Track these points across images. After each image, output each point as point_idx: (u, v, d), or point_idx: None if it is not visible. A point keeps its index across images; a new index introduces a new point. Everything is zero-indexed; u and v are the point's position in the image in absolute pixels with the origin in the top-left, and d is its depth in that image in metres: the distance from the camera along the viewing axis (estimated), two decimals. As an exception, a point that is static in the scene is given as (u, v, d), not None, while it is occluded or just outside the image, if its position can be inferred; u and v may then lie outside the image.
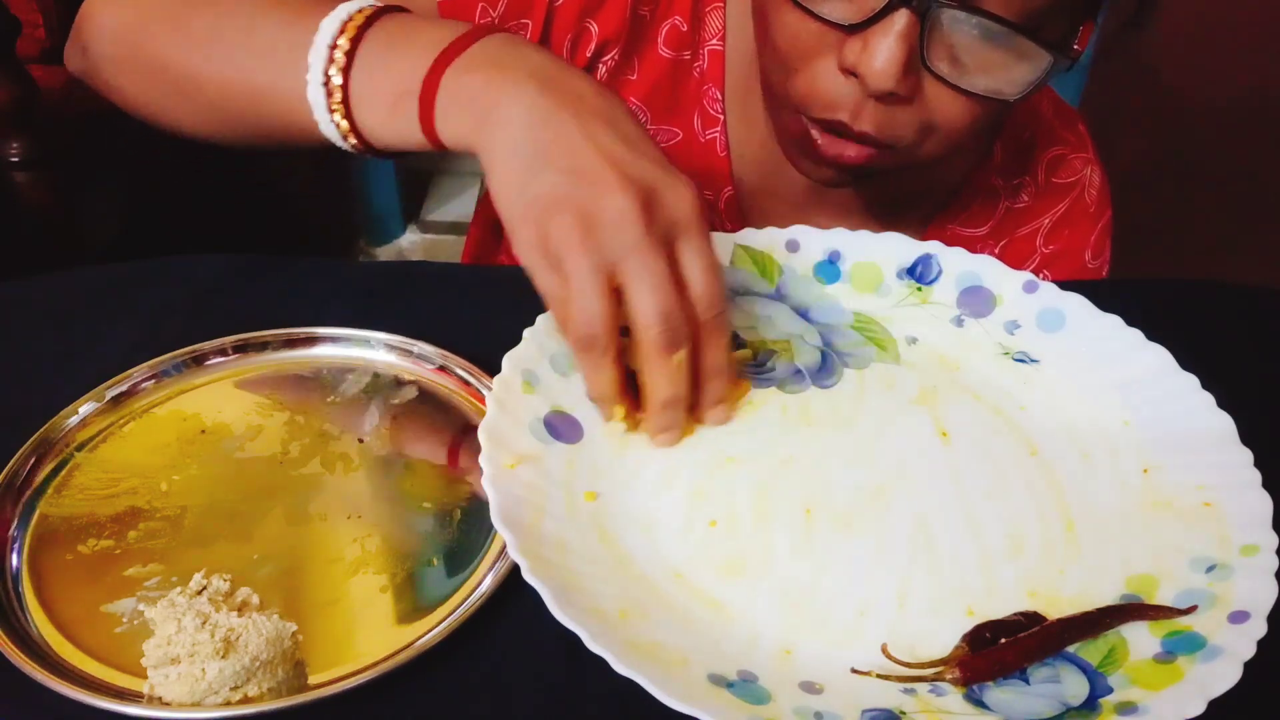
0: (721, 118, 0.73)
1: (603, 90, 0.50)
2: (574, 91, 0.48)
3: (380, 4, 0.54)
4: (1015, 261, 0.72)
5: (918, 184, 0.76)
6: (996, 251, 0.77)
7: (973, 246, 0.75)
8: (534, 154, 0.47)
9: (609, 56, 0.70)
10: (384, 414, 0.55)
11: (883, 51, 0.54)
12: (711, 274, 0.48)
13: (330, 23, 0.52)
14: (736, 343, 0.58)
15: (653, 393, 0.49)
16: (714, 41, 0.71)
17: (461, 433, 0.54)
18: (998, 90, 0.57)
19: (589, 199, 0.45)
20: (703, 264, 0.48)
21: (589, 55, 0.69)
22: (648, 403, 0.49)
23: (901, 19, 0.54)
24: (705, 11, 0.71)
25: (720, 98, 0.72)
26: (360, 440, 0.53)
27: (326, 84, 0.52)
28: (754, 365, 0.57)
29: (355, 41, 0.52)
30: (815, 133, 0.61)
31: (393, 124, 0.52)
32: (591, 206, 0.45)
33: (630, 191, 0.45)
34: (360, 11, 0.53)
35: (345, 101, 0.52)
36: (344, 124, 0.53)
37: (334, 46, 0.51)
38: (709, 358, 0.50)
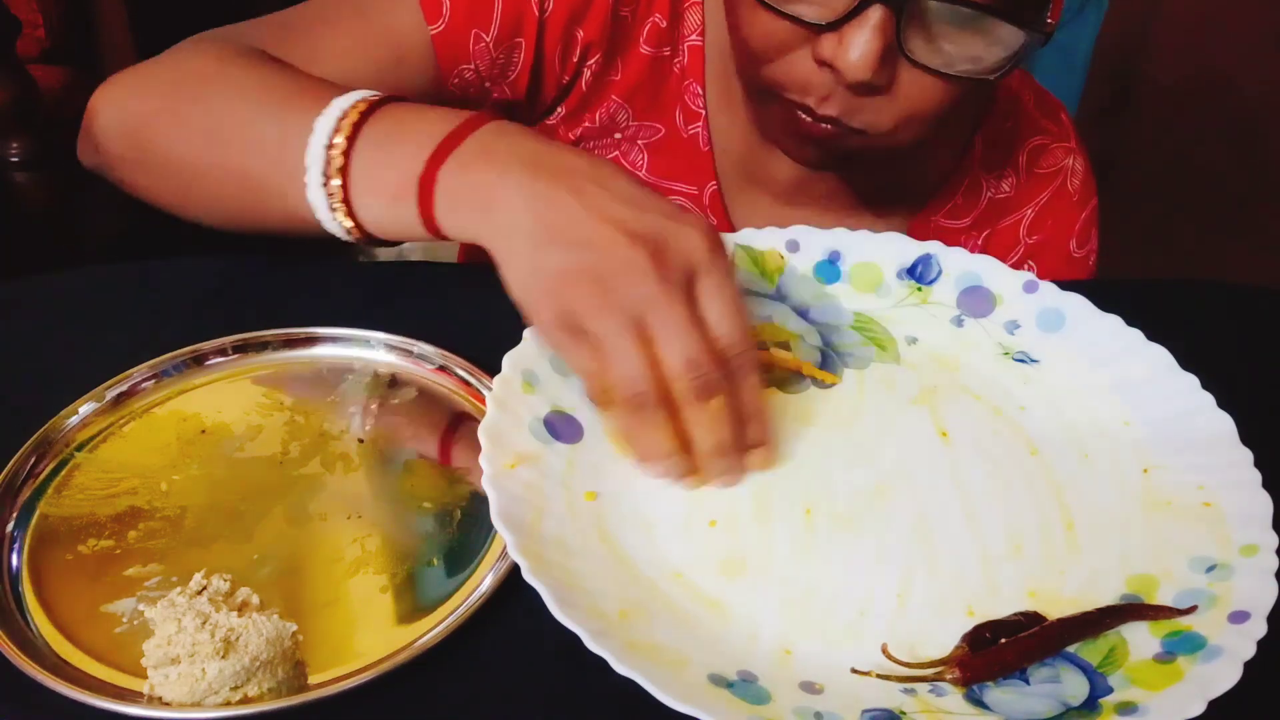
0: (703, 113, 0.73)
1: (594, 159, 0.50)
2: (566, 167, 0.49)
3: (372, 97, 0.53)
4: (999, 253, 0.72)
5: (900, 177, 0.76)
6: (980, 242, 0.77)
7: (956, 239, 0.75)
8: (539, 235, 0.47)
9: (593, 60, 0.70)
10: (384, 414, 0.55)
11: (858, 45, 0.55)
12: (733, 311, 0.47)
13: (325, 121, 0.52)
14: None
15: (699, 443, 0.48)
16: (693, 37, 0.71)
17: (461, 433, 0.54)
18: (976, 71, 0.58)
19: (599, 262, 0.45)
20: (723, 302, 0.47)
21: (575, 61, 0.70)
22: (698, 453, 0.48)
23: (876, 13, 0.54)
24: (684, 8, 0.71)
25: (701, 93, 0.72)
26: (360, 440, 0.53)
27: (326, 185, 0.52)
28: None
29: (350, 140, 0.52)
30: (796, 110, 0.62)
31: (394, 220, 0.52)
32: (603, 268, 0.45)
33: (637, 245, 0.45)
34: (354, 107, 0.52)
35: (346, 200, 0.52)
36: (347, 221, 0.53)
37: (330, 146, 0.52)
38: (742, 399, 0.49)
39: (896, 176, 0.76)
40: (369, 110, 0.52)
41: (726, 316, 0.47)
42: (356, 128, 0.52)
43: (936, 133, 0.63)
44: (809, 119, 0.61)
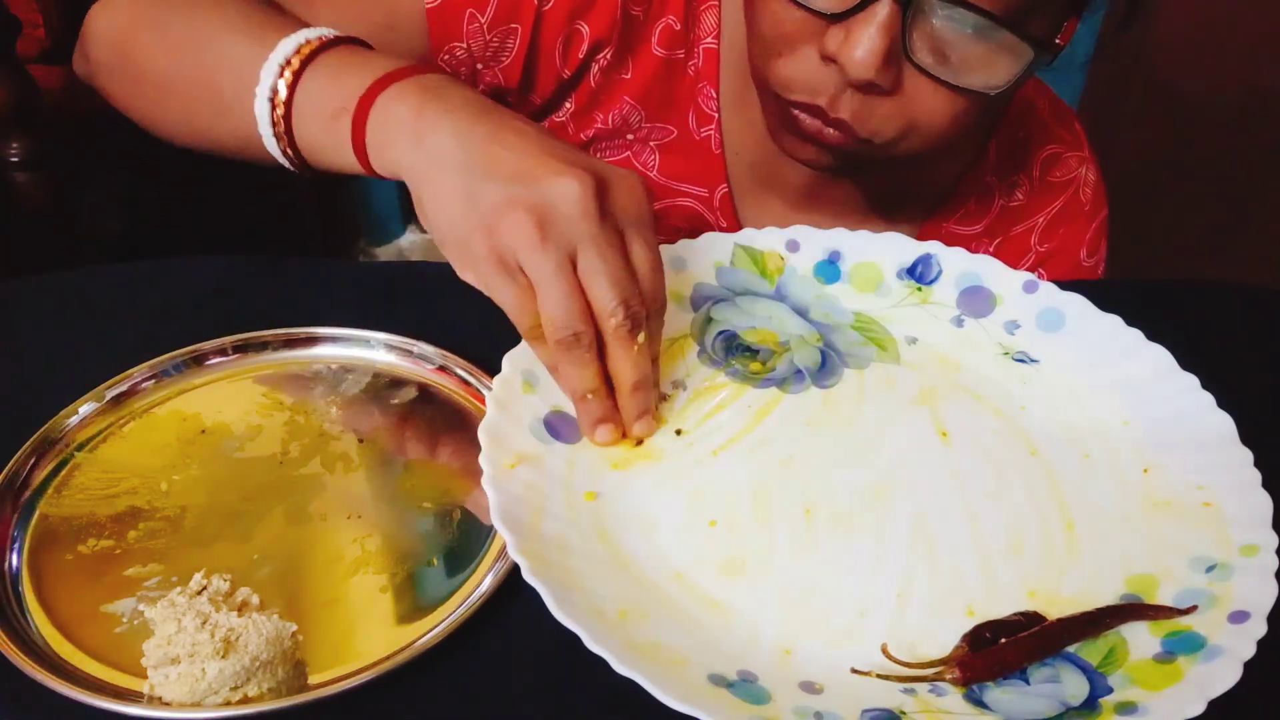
0: (717, 115, 0.73)
1: (536, 123, 0.51)
2: (508, 117, 0.49)
3: (341, 34, 0.55)
4: (1010, 260, 0.72)
5: (912, 182, 0.76)
6: (992, 250, 0.77)
7: (968, 245, 0.75)
8: (476, 168, 0.47)
9: (602, 55, 0.70)
10: (384, 414, 0.55)
11: (864, 41, 0.55)
12: (658, 269, 0.49)
13: (287, 43, 0.54)
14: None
15: (623, 380, 0.49)
16: (709, 40, 0.71)
17: (461, 433, 0.54)
18: (979, 84, 0.57)
19: (539, 192, 0.45)
20: (651, 255, 0.49)
21: (581, 56, 0.70)
22: (620, 391, 0.50)
23: (884, 9, 0.54)
24: (700, 10, 0.71)
25: (715, 95, 0.72)
26: (360, 440, 0.53)
27: (273, 98, 0.53)
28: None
29: (306, 62, 0.53)
30: (796, 111, 0.62)
31: (327, 142, 0.53)
32: (543, 199, 0.45)
33: (580, 176, 0.46)
34: (320, 38, 0.54)
35: (287, 116, 0.54)
36: (284, 139, 0.54)
37: (286, 64, 0.53)
38: (651, 349, 0.50)
39: (908, 182, 0.76)
40: (333, 43, 0.54)
41: (653, 269, 0.49)
42: (315, 53, 0.53)
43: (944, 146, 0.62)
44: (818, 123, 0.61)
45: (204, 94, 0.58)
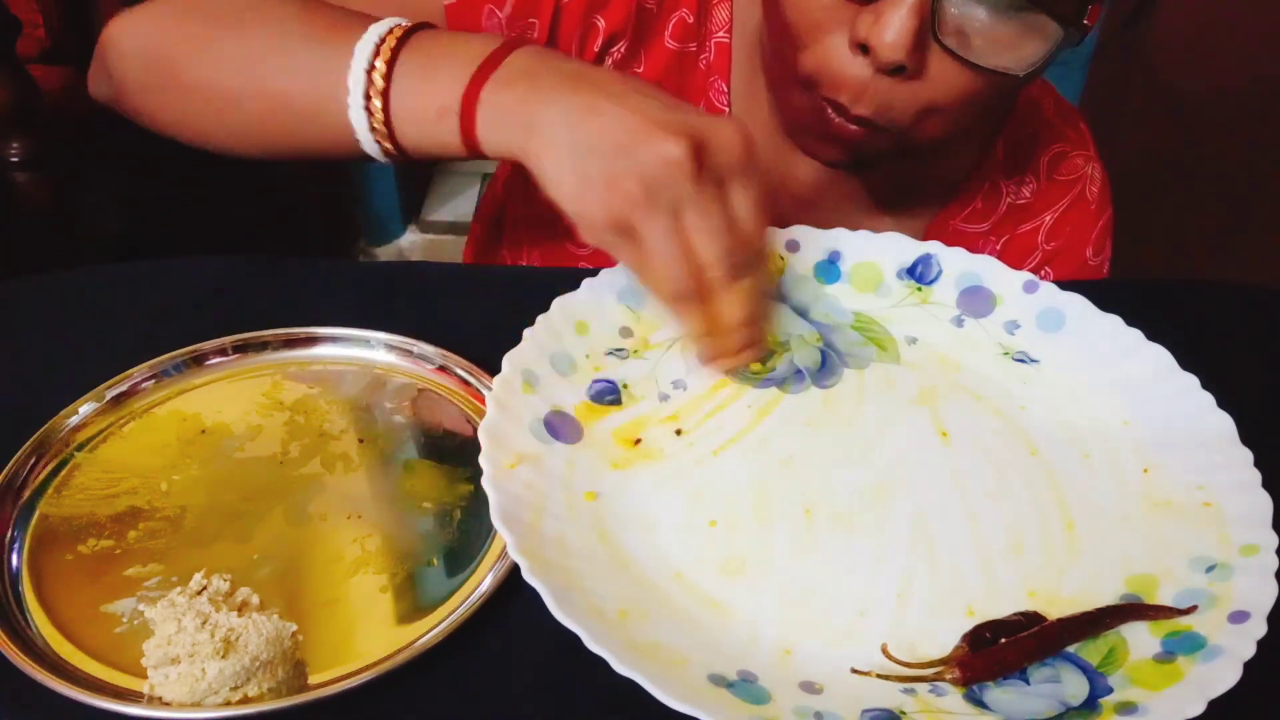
0: (727, 110, 0.73)
1: (628, 76, 0.54)
2: (605, 79, 0.52)
3: (408, 23, 0.56)
4: (1017, 258, 0.71)
5: (921, 179, 0.76)
6: (998, 248, 0.77)
7: (975, 243, 0.75)
8: (581, 145, 0.49)
9: (616, 49, 0.70)
10: (384, 414, 0.55)
11: (894, 24, 0.55)
12: (758, 213, 0.52)
13: (364, 46, 0.54)
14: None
15: (728, 319, 0.53)
16: (720, 34, 0.71)
17: (461, 433, 0.54)
18: (1006, 66, 0.58)
19: (642, 161, 0.48)
20: (749, 205, 0.51)
21: (596, 50, 0.70)
22: (726, 327, 0.53)
23: None
24: (712, 4, 0.71)
25: (726, 90, 0.72)
26: (360, 440, 0.53)
27: (368, 106, 0.54)
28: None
29: (390, 64, 0.54)
30: (825, 107, 0.62)
31: (435, 138, 0.54)
32: (646, 167, 0.48)
33: (678, 139, 0.48)
34: (391, 32, 0.55)
35: (387, 122, 0.55)
36: (386, 143, 0.55)
37: (371, 69, 0.54)
38: (758, 286, 0.53)
39: (916, 179, 0.76)
40: (405, 35, 0.55)
41: (751, 214, 0.51)
42: (395, 52, 0.54)
43: (956, 136, 0.62)
44: (840, 119, 0.61)
45: (279, 107, 0.58)
